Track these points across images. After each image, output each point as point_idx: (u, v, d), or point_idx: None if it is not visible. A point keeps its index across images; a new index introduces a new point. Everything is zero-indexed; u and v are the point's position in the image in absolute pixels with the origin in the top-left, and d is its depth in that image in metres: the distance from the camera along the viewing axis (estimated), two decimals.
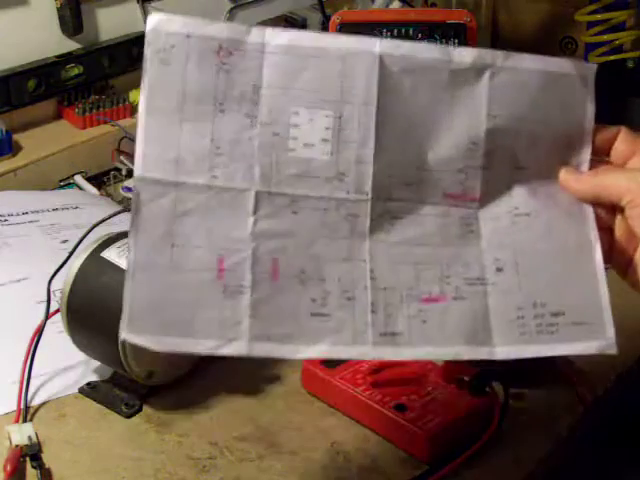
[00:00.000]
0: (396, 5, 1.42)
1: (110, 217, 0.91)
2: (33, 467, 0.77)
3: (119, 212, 0.97)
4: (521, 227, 0.70)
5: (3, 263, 1.00)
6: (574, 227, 0.70)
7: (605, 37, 1.52)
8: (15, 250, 1.03)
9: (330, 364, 0.85)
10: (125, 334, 0.60)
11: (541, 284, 0.69)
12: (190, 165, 0.66)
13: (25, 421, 0.81)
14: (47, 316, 0.86)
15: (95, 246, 0.84)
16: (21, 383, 0.84)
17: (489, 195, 0.70)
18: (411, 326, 0.65)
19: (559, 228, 0.70)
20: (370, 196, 0.68)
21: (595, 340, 0.69)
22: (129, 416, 0.83)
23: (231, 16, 1.46)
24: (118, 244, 0.84)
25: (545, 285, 0.69)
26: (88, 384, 0.86)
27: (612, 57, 1.51)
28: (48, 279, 0.87)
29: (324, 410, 0.84)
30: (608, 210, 0.70)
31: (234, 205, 0.66)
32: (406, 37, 1.11)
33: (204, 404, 0.85)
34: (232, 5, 1.46)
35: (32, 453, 0.77)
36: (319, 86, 0.68)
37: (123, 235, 0.85)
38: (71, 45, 1.26)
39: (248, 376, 0.88)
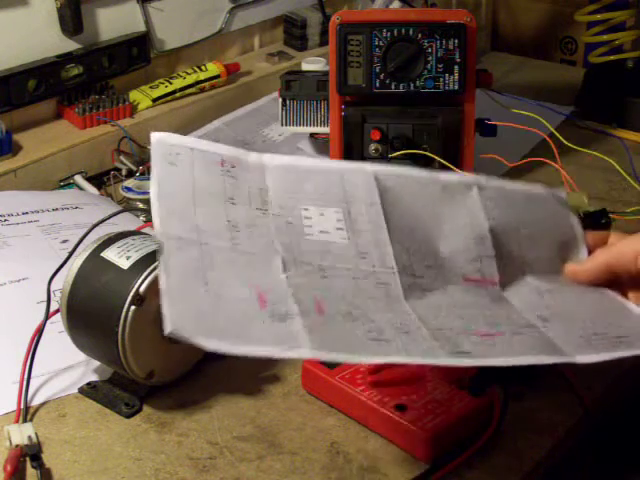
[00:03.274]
0: (396, 5, 1.41)
1: (110, 217, 0.91)
2: (33, 467, 0.77)
3: (119, 212, 0.97)
4: (549, 298, 0.74)
5: (3, 263, 1.00)
6: (599, 295, 0.75)
7: (605, 37, 1.52)
8: (15, 250, 1.03)
9: (330, 364, 0.85)
10: (171, 330, 0.61)
11: (593, 324, 0.72)
12: (210, 234, 0.68)
13: (25, 421, 0.81)
14: (47, 316, 0.86)
15: (95, 246, 0.84)
16: (21, 383, 0.84)
17: (507, 280, 0.74)
18: (478, 347, 0.67)
19: (587, 296, 0.75)
20: (396, 270, 0.70)
21: None
22: (129, 416, 0.83)
23: (231, 16, 1.46)
24: (118, 244, 0.84)
25: (597, 324, 0.72)
26: (88, 384, 0.86)
27: (612, 57, 1.51)
28: (48, 279, 0.87)
29: (324, 410, 0.84)
30: (620, 290, 0.76)
31: (263, 263, 0.68)
32: (406, 37, 1.11)
33: (204, 404, 0.85)
34: (232, 5, 1.46)
35: (32, 453, 0.77)
36: (323, 192, 0.73)
37: (123, 235, 0.85)
38: (71, 45, 1.26)
39: (248, 376, 0.88)
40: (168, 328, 0.61)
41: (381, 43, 1.11)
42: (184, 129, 1.32)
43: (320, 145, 1.26)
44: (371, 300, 0.68)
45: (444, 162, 1.12)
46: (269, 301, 0.65)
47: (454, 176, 0.78)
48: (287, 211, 0.71)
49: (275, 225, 0.71)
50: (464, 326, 0.68)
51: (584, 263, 0.77)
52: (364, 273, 0.70)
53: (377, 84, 1.11)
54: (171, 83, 1.34)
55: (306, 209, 0.72)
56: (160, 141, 0.73)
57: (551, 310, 0.73)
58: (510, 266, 0.75)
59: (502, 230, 0.76)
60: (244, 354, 0.62)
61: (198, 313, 0.63)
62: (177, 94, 1.33)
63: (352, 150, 1.17)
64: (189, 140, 0.74)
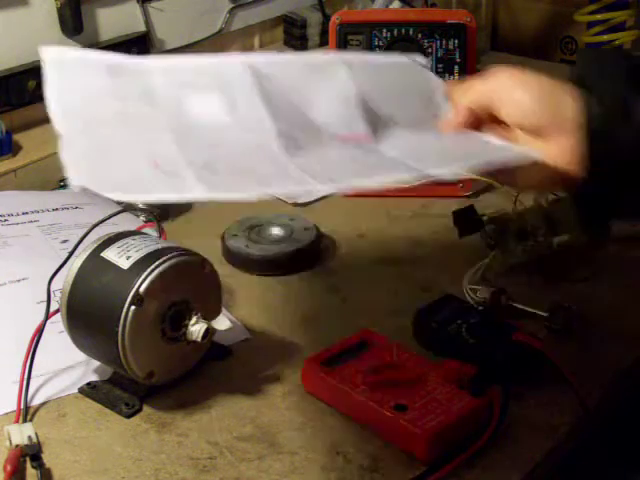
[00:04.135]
0: (396, 5, 1.42)
1: (110, 217, 0.91)
2: (33, 467, 0.77)
3: (119, 212, 0.97)
4: (417, 143, 0.81)
5: (3, 263, 1.00)
6: (464, 135, 0.81)
7: (605, 37, 1.52)
8: (15, 250, 1.03)
9: (330, 364, 0.85)
10: (76, 182, 0.69)
11: (453, 151, 0.80)
12: (101, 119, 0.76)
13: (25, 421, 0.81)
14: (47, 316, 0.86)
15: (95, 246, 0.84)
16: (21, 383, 0.84)
17: (379, 136, 0.81)
18: (346, 175, 0.75)
19: (452, 136, 0.82)
20: (276, 133, 0.77)
21: (513, 152, 0.78)
22: (129, 416, 0.83)
23: (231, 16, 1.46)
24: (118, 244, 0.84)
25: (456, 152, 0.80)
26: (88, 384, 0.86)
27: None
28: (48, 279, 0.87)
29: (324, 410, 0.84)
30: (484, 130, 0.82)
31: (156, 136, 0.76)
32: (406, 37, 1.11)
33: (204, 404, 0.85)
34: (232, 5, 1.46)
35: (32, 453, 0.77)
36: (200, 83, 0.80)
37: (123, 235, 0.85)
38: (71, 45, 1.26)
39: (248, 376, 0.88)
40: (74, 182, 0.69)
41: (381, 43, 1.11)
42: None
43: None
44: (256, 160, 0.76)
45: None
46: (162, 164, 0.72)
47: (322, 56, 0.86)
48: (173, 101, 0.78)
49: (164, 115, 0.77)
50: (330, 166, 0.76)
51: (449, 115, 0.82)
52: (249, 143, 0.77)
53: None
54: None
55: (190, 98, 0.79)
56: (49, 51, 0.78)
57: (417, 151, 0.79)
58: (380, 124, 0.82)
59: (370, 94, 0.82)
60: (144, 200, 0.74)
61: (101, 173, 0.71)
62: None
63: None
64: (76, 50, 0.82)
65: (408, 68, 0.87)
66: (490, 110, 0.80)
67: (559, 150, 0.76)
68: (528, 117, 0.78)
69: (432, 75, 0.87)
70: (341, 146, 0.79)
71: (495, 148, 0.79)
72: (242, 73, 0.81)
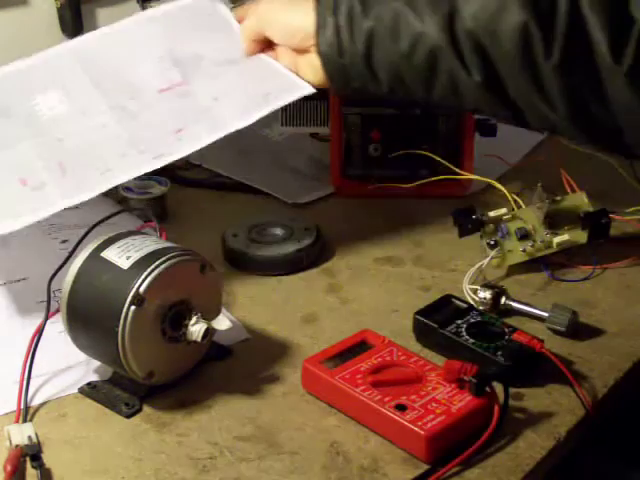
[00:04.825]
0: None
1: (110, 217, 0.91)
2: (33, 467, 0.77)
3: (119, 212, 0.97)
4: (222, 79, 0.92)
5: (3, 263, 1.00)
6: (256, 62, 0.93)
7: None
8: (15, 250, 1.03)
9: (330, 364, 0.85)
10: None
11: (251, 91, 0.91)
12: None
13: (25, 421, 0.81)
14: (47, 316, 0.86)
15: (95, 246, 0.84)
16: (21, 383, 0.84)
17: (191, 77, 0.92)
18: (171, 147, 0.88)
19: (248, 68, 0.93)
20: (108, 108, 0.89)
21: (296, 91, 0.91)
22: (129, 416, 0.83)
23: None
24: (118, 244, 0.84)
25: (254, 90, 0.91)
26: (88, 384, 0.86)
27: None
28: (48, 279, 0.87)
29: (324, 410, 0.84)
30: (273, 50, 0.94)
31: (12, 148, 0.88)
32: None
33: (204, 404, 0.85)
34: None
35: (32, 453, 0.77)
36: (40, 83, 0.93)
37: (123, 235, 0.85)
38: None
39: (248, 376, 0.88)
40: None
41: None
42: None
43: (320, 145, 1.26)
44: (100, 146, 0.87)
45: (444, 162, 1.12)
46: (28, 180, 0.83)
47: (127, 21, 0.97)
48: (23, 108, 0.89)
49: (20, 123, 0.88)
50: (159, 133, 0.88)
51: (241, 42, 0.93)
52: (90, 126, 0.88)
53: None
54: None
55: (34, 99, 0.90)
56: None
57: (222, 89, 0.90)
58: (191, 66, 0.92)
59: (174, 42, 0.93)
60: (17, 227, 0.82)
61: None
62: None
63: (352, 150, 1.17)
64: None
65: (199, 7, 0.97)
66: (264, 36, 0.91)
67: (318, 62, 0.87)
68: (291, 36, 0.89)
69: (222, 6, 0.97)
70: (164, 98, 0.90)
71: (280, 84, 0.90)
72: (70, 63, 0.91)
